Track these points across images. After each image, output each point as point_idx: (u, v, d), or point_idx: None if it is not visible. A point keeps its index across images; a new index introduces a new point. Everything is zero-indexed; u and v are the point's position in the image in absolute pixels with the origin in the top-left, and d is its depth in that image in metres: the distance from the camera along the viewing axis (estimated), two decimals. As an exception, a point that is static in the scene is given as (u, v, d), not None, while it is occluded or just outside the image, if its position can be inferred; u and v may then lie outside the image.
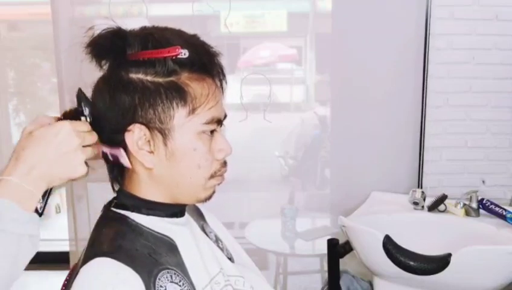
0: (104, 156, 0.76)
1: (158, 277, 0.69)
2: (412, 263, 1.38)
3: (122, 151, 0.74)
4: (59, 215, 3.49)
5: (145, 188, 0.77)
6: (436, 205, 1.68)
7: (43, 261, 1.47)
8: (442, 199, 1.67)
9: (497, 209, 1.61)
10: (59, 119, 0.73)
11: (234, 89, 1.91)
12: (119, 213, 0.76)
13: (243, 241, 2.04)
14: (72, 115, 0.73)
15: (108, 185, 0.80)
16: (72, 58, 1.84)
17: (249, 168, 2.34)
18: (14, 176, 0.65)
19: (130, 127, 0.72)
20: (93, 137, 0.72)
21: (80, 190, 2.08)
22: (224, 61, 0.78)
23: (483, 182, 1.86)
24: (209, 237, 0.86)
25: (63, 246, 2.31)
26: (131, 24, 0.75)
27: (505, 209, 1.59)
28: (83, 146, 0.69)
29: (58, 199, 3.44)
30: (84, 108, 0.73)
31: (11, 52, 3.12)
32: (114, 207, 0.78)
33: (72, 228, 2.12)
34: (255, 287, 0.87)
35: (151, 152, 0.73)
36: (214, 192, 0.80)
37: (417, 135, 1.86)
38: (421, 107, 1.83)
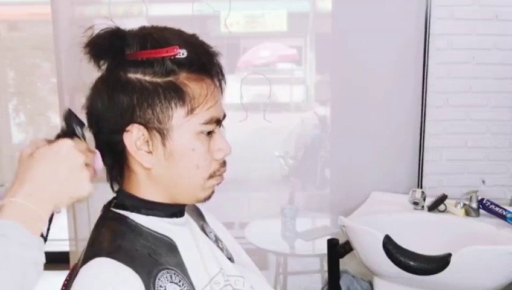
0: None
1: (158, 277, 0.69)
2: (412, 263, 1.38)
3: (98, 154, 0.73)
4: (59, 215, 3.49)
5: (144, 188, 0.77)
6: (436, 205, 1.68)
7: (43, 261, 1.47)
8: (442, 199, 1.67)
9: (497, 209, 1.61)
10: (51, 142, 0.71)
11: (234, 89, 1.91)
12: (119, 213, 0.76)
13: (243, 241, 2.04)
14: (65, 136, 0.71)
15: (108, 185, 0.80)
16: (72, 58, 1.84)
17: (249, 168, 2.34)
18: (19, 197, 0.63)
19: (129, 128, 0.72)
20: (91, 156, 0.71)
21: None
22: (224, 61, 0.78)
23: (483, 182, 1.86)
24: (208, 237, 0.86)
25: (62, 246, 2.31)
26: (131, 24, 0.75)
27: (505, 209, 1.59)
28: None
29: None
30: (76, 128, 0.71)
31: (11, 52, 3.12)
32: (113, 207, 0.78)
33: (72, 228, 2.12)
34: (255, 287, 0.87)
35: (150, 152, 0.73)
36: (213, 192, 0.80)
37: (417, 135, 1.86)
38: (421, 107, 1.83)
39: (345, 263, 1.72)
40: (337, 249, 1.63)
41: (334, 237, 1.69)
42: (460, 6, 1.76)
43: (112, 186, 0.80)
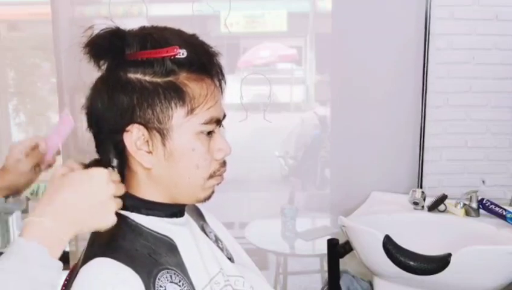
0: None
1: (158, 277, 0.69)
2: (412, 263, 1.38)
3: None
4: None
5: (144, 188, 0.77)
6: (436, 205, 1.68)
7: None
8: (442, 199, 1.67)
9: (497, 209, 1.61)
10: (86, 166, 0.73)
11: (234, 89, 1.91)
12: (119, 213, 0.76)
13: (243, 241, 2.04)
14: (99, 164, 0.72)
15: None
16: (72, 58, 1.84)
17: (249, 168, 2.34)
18: (47, 218, 0.64)
19: (129, 128, 0.72)
20: (123, 188, 0.72)
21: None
22: (224, 61, 0.78)
23: (483, 182, 1.86)
24: (208, 237, 0.86)
25: (63, 246, 2.31)
26: (131, 24, 0.75)
27: (505, 209, 1.59)
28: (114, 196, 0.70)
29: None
30: (112, 159, 0.73)
31: (11, 52, 3.12)
32: (113, 207, 0.78)
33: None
34: (254, 287, 0.87)
35: (150, 152, 0.73)
36: (213, 192, 0.80)
37: (417, 135, 1.86)
38: (421, 107, 1.83)
39: (345, 263, 1.72)
40: (337, 249, 1.63)
41: (334, 237, 1.69)
42: (460, 6, 1.76)
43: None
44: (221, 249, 0.88)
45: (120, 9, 2.04)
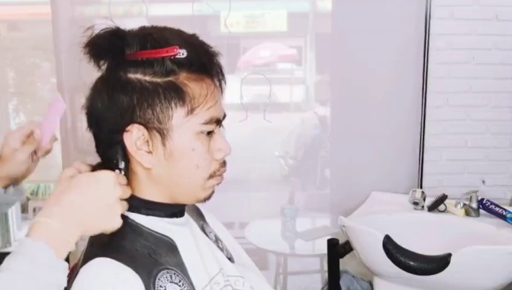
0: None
1: (158, 277, 0.69)
2: (412, 263, 1.38)
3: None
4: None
5: (144, 188, 0.77)
6: (436, 205, 1.68)
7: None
8: (442, 199, 1.67)
9: (497, 209, 1.61)
10: (93, 167, 0.74)
11: (234, 89, 1.91)
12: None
13: (243, 241, 2.04)
14: (106, 167, 0.73)
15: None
16: (72, 58, 1.84)
17: (249, 168, 2.34)
18: (54, 220, 0.64)
19: (129, 128, 0.72)
20: (129, 191, 0.72)
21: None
22: (224, 61, 0.78)
23: (483, 182, 1.86)
24: (208, 237, 0.86)
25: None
26: (131, 24, 0.75)
27: (505, 209, 1.59)
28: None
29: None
30: (120, 162, 0.73)
31: (11, 52, 3.12)
32: (114, 207, 0.78)
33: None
34: (254, 287, 0.87)
35: (150, 152, 0.73)
36: (213, 192, 0.80)
37: (417, 135, 1.86)
38: (421, 107, 1.83)
39: (345, 263, 1.72)
40: (337, 249, 1.63)
41: (334, 237, 1.69)
42: (460, 6, 1.76)
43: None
44: (221, 249, 0.88)
45: (120, 9, 2.03)
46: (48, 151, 0.92)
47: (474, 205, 1.64)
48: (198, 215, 0.92)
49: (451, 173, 1.87)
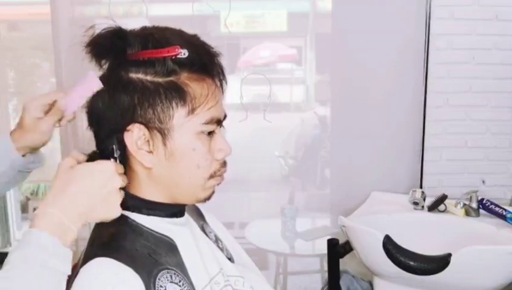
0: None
1: (158, 277, 0.69)
2: (412, 263, 1.38)
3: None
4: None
5: (144, 188, 0.77)
6: (436, 205, 1.68)
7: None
8: (442, 199, 1.67)
9: (497, 209, 1.61)
10: (90, 156, 0.74)
11: (234, 89, 1.91)
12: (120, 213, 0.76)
13: (243, 241, 2.04)
14: (102, 155, 0.74)
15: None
16: (72, 58, 1.84)
17: (249, 168, 2.34)
18: (57, 210, 0.66)
19: (129, 127, 0.72)
20: (126, 180, 0.73)
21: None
22: (224, 61, 0.78)
23: (483, 182, 1.86)
24: (208, 237, 0.86)
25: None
26: (131, 24, 0.75)
27: (505, 209, 1.59)
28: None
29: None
30: (115, 151, 0.73)
31: (11, 52, 3.12)
32: (114, 207, 0.78)
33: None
34: (254, 287, 0.87)
35: (151, 152, 0.73)
36: (213, 192, 0.80)
37: (417, 135, 1.86)
38: (421, 107, 1.83)
39: (345, 263, 1.72)
40: (337, 249, 1.63)
41: (334, 237, 1.69)
42: (460, 6, 1.76)
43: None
44: (221, 249, 0.88)
45: (120, 9, 2.04)
46: (70, 120, 0.87)
47: (474, 205, 1.64)
48: (198, 216, 0.92)
49: (451, 173, 1.87)
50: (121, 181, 0.71)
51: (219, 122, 0.77)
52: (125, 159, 0.75)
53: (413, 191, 1.72)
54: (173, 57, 0.71)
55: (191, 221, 0.85)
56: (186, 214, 0.83)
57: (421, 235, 1.60)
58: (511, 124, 1.82)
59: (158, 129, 0.72)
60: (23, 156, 0.88)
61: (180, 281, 0.72)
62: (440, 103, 1.83)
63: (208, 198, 0.79)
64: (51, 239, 0.64)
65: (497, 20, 1.76)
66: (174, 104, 0.72)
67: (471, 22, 1.76)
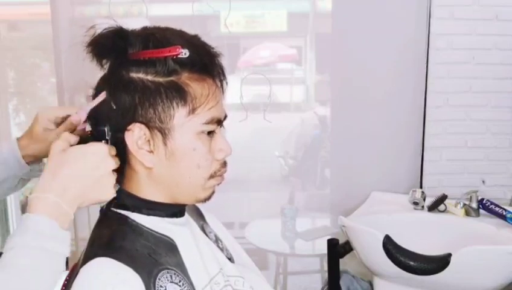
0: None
1: (158, 277, 0.69)
2: (412, 263, 1.38)
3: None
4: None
5: (145, 188, 0.77)
6: (436, 205, 1.68)
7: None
8: (442, 199, 1.67)
9: (497, 209, 1.61)
10: (81, 138, 0.74)
11: (234, 89, 1.91)
12: (120, 213, 0.76)
13: (243, 241, 2.04)
14: (94, 137, 0.73)
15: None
16: (72, 58, 1.84)
17: (249, 168, 2.34)
18: (52, 194, 0.66)
19: (130, 127, 0.72)
20: (118, 162, 0.73)
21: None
22: (224, 61, 0.78)
23: (483, 182, 1.86)
24: (208, 237, 0.86)
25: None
26: (132, 24, 0.76)
27: (505, 209, 1.59)
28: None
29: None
30: (107, 132, 0.73)
31: (11, 52, 3.11)
32: (114, 207, 0.78)
33: (72, 228, 2.12)
34: (254, 287, 0.87)
35: (151, 152, 0.73)
36: (213, 192, 0.80)
37: (417, 135, 1.86)
38: (421, 107, 1.83)
39: (345, 263, 1.72)
40: (337, 249, 1.63)
41: (334, 237, 1.69)
42: (460, 6, 1.76)
43: (112, 186, 0.80)
44: (221, 249, 0.88)
45: (120, 9, 2.04)
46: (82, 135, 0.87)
47: (474, 205, 1.64)
48: (198, 216, 0.92)
49: (451, 173, 1.87)
50: (113, 163, 0.71)
51: (219, 122, 0.77)
52: (125, 159, 0.75)
53: (413, 191, 1.72)
54: (174, 57, 0.71)
55: (191, 221, 0.85)
56: (186, 214, 0.83)
57: (421, 235, 1.60)
58: (511, 124, 1.82)
59: (159, 129, 0.72)
60: (28, 163, 0.88)
61: (180, 281, 0.72)
62: (440, 103, 1.83)
63: (208, 198, 0.79)
64: (48, 222, 0.65)
65: (497, 20, 1.76)
66: (174, 104, 0.72)
67: (471, 22, 1.76)
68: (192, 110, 0.73)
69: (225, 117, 0.79)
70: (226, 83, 0.78)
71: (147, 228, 0.75)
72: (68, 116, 0.82)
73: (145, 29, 0.75)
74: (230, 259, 0.88)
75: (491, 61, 1.79)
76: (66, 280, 0.90)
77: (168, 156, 0.73)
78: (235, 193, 2.19)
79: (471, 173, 1.86)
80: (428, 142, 1.85)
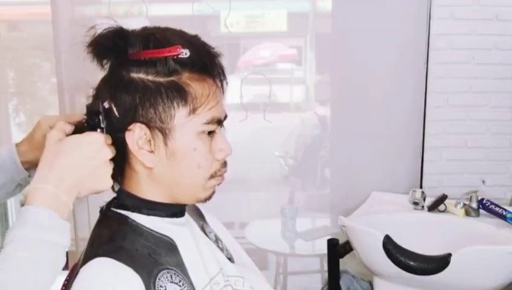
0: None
1: (158, 277, 0.70)
2: (412, 263, 1.38)
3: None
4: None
5: (145, 188, 0.77)
6: (436, 205, 1.68)
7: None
8: (442, 199, 1.67)
9: (497, 209, 1.61)
10: (76, 127, 0.74)
11: (234, 89, 1.91)
12: (120, 213, 0.76)
13: (243, 241, 2.04)
14: (89, 125, 0.73)
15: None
16: (72, 58, 1.84)
17: (249, 168, 2.34)
18: (50, 185, 0.66)
19: (131, 127, 0.72)
20: (114, 151, 0.73)
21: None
22: (224, 61, 0.78)
23: (483, 182, 1.86)
24: (209, 237, 0.87)
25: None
26: (132, 24, 0.76)
27: (505, 209, 1.59)
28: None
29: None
30: (102, 121, 0.73)
31: (11, 52, 3.11)
32: (114, 207, 0.78)
33: (72, 228, 2.12)
34: (254, 287, 0.87)
35: (152, 152, 0.73)
36: (213, 192, 0.80)
37: (417, 135, 1.86)
38: (421, 107, 1.83)
39: (345, 263, 1.72)
40: (337, 249, 1.63)
41: (334, 237, 1.69)
42: (460, 6, 1.76)
43: (112, 186, 0.80)
44: (221, 249, 0.88)
45: (120, 9, 2.03)
46: None
47: (474, 205, 1.64)
48: (199, 216, 0.92)
49: (451, 173, 1.86)
50: (110, 152, 0.71)
51: (220, 122, 0.77)
52: (125, 159, 0.75)
53: (413, 191, 1.72)
54: (175, 57, 0.71)
55: (191, 221, 0.85)
56: (186, 214, 0.83)
57: (421, 235, 1.60)
58: (511, 124, 1.82)
59: (159, 129, 0.73)
60: (26, 169, 0.88)
61: (180, 281, 0.72)
62: (440, 103, 1.82)
63: (209, 198, 0.80)
64: (47, 213, 0.64)
65: (497, 20, 1.76)
66: (175, 104, 0.72)
67: (471, 22, 1.76)
68: (193, 110, 0.73)
69: (225, 117, 0.79)
70: (226, 83, 0.79)
71: (147, 228, 0.75)
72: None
73: (145, 29, 0.75)
74: (230, 259, 0.88)
75: (491, 61, 1.79)
76: (66, 280, 0.90)
77: (168, 156, 0.73)
78: (235, 193, 2.19)
79: (471, 173, 1.86)
80: (428, 142, 1.85)
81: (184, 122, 0.73)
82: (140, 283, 0.67)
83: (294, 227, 2.17)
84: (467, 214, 1.64)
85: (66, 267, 0.75)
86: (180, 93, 0.72)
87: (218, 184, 0.80)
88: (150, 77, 0.72)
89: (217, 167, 0.78)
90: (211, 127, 0.75)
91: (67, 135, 0.72)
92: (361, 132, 1.92)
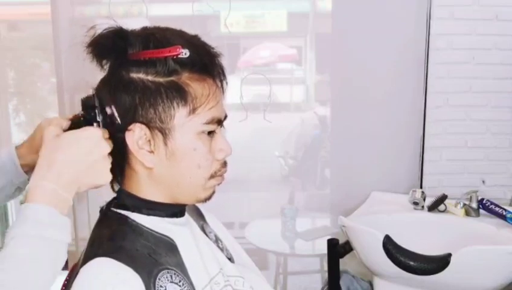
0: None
1: (158, 277, 0.70)
2: (412, 263, 1.38)
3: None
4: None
5: (145, 188, 0.77)
6: (436, 205, 1.68)
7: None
8: (442, 199, 1.67)
9: (497, 209, 1.61)
10: (73, 122, 0.74)
11: (234, 89, 1.91)
12: (120, 213, 0.76)
13: (243, 241, 2.04)
14: (85, 120, 0.73)
15: (108, 185, 0.80)
16: (72, 58, 1.84)
17: (249, 168, 2.34)
18: (49, 181, 0.66)
19: (131, 127, 0.72)
20: (111, 144, 0.73)
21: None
22: (224, 61, 0.78)
23: (483, 182, 1.86)
24: (209, 237, 0.86)
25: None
26: (132, 24, 0.76)
27: (505, 209, 1.59)
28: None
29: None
30: (98, 115, 0.73)
31: (11, 52, 3.11)
32: (114, 207, 0.78)
33: (72, 228, 2.12)
34: (254, 287, 0.87)
35: (152, 152, 0.73)
36: (213, 192, 0.80)
37: (417, 135, 1.86)
38: (421, 107, 1.83)
39: (345, 263, 1.71)
40: (337, 249, 1.63)
41: (334, 237, 1.69)
42: (460, 6, 1.76)
43: (112, 186, 0.80)
44: (221, 249, 0.88)
45: (120, 9, 2.03)
46: None
47: (474, 205, 1.64)
48: (199, 216, 0.92)
49: (451, 173, 1.87)
50: (107, 147, 0.71)
51: (220, 122, 0.77)
52: (125, 159, 0.75)
53: (413, 191, 1.72)
54: (174, 57, 0.71)
55: (191, 221, 0.85)
56: (186, 214, 0.83)
57: (421, 235, 1.60)
58: (511, 124, 1.82)
59: (159, 129, 0.73)
60: (25, 173, 0.88)
61: (180, 281, 0.72)
62: (440, 103, 1.83)
63: (209, 198, 0.80)
64: (47, 210, 0.64)
65: (497, 20, 1.76)
66: (175, 104, 0.72)
67: (471, 22, 1.76)
68: (193, 110, 0.73)
69: (225, 117, 0.79)
70: (226, 83, 0.79)
71: (147, 228, 0.75)
72: None
73: (145, 29, 0.75)
74: (230, 259, 0.88)
75: (491, 61, 1.79)
76: (66, 279, 0.90)
77: (168, 156, 0.73)
78: (235, 193, 2.19)
79: (471, 173, 1.86)
80: (428, 142, 1.85)
81: (184, 122, 0.73)
82: (140, 283, 0.67)
83: (294, 227, 2.17)
84: (467, 214, 1.64)
85: (66, 267, 0.74)
86: (180, 93, 0.72)
87: (218, 184, 0.80)
88: (150, 77, 0.72)
89: (217, 167, 0.78)
90: (211, 127, 0.75)
91: (65, 131, 0.72)
92: (361, 132, 1.92)
